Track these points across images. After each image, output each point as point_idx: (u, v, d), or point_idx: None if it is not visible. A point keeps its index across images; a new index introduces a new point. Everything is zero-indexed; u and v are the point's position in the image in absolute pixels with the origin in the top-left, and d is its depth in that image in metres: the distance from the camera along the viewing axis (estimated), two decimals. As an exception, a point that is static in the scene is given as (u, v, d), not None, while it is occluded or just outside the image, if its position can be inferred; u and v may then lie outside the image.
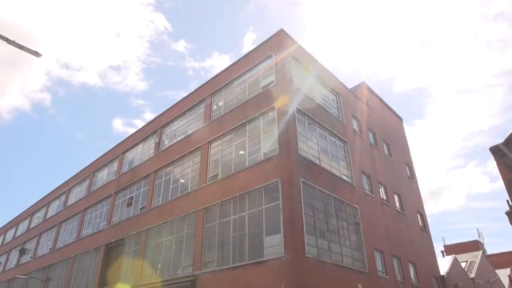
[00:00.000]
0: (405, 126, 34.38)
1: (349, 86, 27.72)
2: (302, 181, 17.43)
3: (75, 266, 31.47)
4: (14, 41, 12.64)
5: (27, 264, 40.48)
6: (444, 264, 29.66)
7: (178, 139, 26.01)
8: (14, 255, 45.70)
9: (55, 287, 32.80)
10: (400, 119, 33.97)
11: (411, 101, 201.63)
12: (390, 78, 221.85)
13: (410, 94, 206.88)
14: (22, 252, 43.14)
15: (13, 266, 44.16)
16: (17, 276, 37.65)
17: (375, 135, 27.12)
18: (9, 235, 51.76)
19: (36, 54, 13.08)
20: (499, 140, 33.40)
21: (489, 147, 33.76)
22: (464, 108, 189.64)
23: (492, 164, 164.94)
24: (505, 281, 38.51)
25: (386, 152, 27.95)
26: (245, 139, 20.44)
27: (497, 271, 38.90)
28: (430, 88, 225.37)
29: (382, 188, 24.89)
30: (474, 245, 43.61)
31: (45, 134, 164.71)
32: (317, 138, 20.46)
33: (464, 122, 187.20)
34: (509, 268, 41.31)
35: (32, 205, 47.94)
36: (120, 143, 33.77)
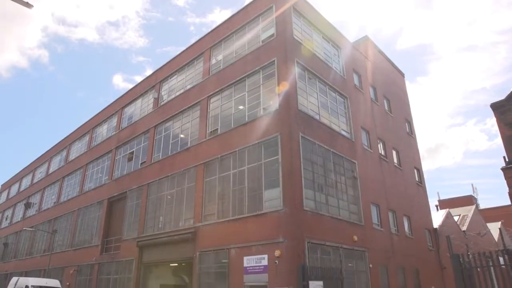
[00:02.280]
0: (407, 83, 33.98)
1: (352, 41, 27.06)
2: (302, 136, 17.51)
3: (79, 219, 32.42)
4: (3, -11, 12.12)
5: (33, 217, 41.68)
6: (437, 218, 30.56)
7: (177, 94, 25.78)
8: (20, 209, 46.93)
9: (61, 239, 33.98)
10: (402, 75, 33.50)
11: (414, 58, 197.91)
12: (394, 35, 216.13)
13: (414, 51, 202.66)
14: (27, 206, 44.28)
15: (19, 219, 45.51)
16: (24, 228, 38.93)
17: (376, 90, 26.86)
18: (14, 190, 52.83)
19: (28, 5, 12.57)
20: (500, 98, 33.18)
21: (490, 104, 33.74)
22: (467, 66, 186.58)
23: (491, 122, 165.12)
24: (495, 234, 39.90)
25: (386, 107, 27.84)
26: (245, 94, 20.26)
27: (489, 224, 40.16)
28: (433, 45, 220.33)
29: (381, 144, 25.06)
30: (468, 200, 44.64)
31: (45, 91, 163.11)
32: (317, 93, 20.28)
33: (466, 80, 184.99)
34: (500, 222, 42.63)
35: (34, 161, 48.50)
36: (118, 98, 33.54)
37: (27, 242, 40.93)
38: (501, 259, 10.25)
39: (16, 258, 41.70)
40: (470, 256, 10.57)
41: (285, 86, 17.98)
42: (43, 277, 26.94)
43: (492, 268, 10.21)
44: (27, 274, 32.06)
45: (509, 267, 9.85)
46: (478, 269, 10.34)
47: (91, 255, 28.22)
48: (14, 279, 23.85)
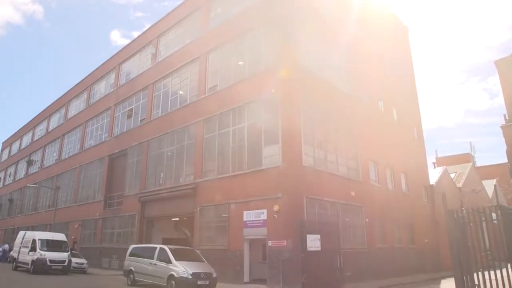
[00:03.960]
0: (410, 38, 33.10)
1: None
2: (302, 93, 17.30)
3: (82, 176, 32.89)
4: None
5: (35, 174, 42.27)
6: (434, 175, 31.02)
7: (175, 49, 25.18)
8: (22, 166, 47.48)
9: (65, 195, 34.66)
10: (406, 28, 32.59)
11: (419, 11, 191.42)
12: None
13: (418, 3, 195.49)
14: (30, 163, 44.73)
15: (23, 176, 46.18)
16: (28, 185, 39.60)
17: (378, 45, 26.15)
18: (15, 147, 53.14)
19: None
20: (506, 55, 32.49)
21: (494, 61, 33.09)
22: (472, 22, 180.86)
23: (493, 81, 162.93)
24: (490, 191, 40.72)
25: (388, 63, 27.28)
26: (245, 49, 19.79)
27: (484, 181, 40.86)
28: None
29: (382, 101, 24.86)
30: (465, 158, 45.07)
31: (41, 49, 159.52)
32: (318, 48, 19.78)
33: (471, 37, 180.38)
34: (495, 179, 43.34)
35: (33, 118, 48.39)
36: (116, 54, 32.84)
37: (31, 198, 41.81)
38: (494, 215, 10.51)
39: (22, 214, 42.79)
40: (464, 211, 10.83)
41: (286, 41, 17.54)
42: (49, 231, 27.74)
43: (484, 223, 10.49)
44: (33, 228, 32.99)
45: (501, 222, 10.12)
46: (471, 224, 10.63)
47: (95, 210, 28.93)
48: (21, 233, 24.58)
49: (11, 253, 26.35)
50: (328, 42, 20.61)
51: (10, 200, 47.66)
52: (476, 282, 10.24)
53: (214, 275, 14.40)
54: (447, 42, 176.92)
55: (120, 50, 32.31)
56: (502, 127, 29.44)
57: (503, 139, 29.70)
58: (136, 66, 29.61)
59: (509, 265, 9.79)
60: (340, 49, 21.42)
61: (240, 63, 19.92)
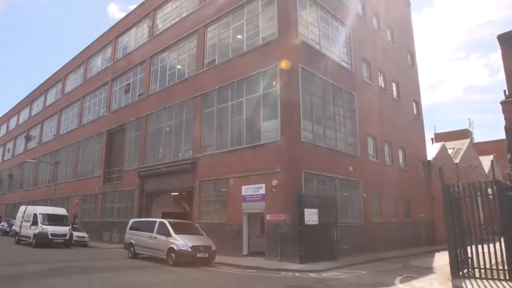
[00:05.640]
0: (412, 13, 32.45)
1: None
2: (301, 67, 17.13)
3: (80, 151, 32.95)
4: None
5: (34, 150, 42.32)
6: (432, 150, 31.14)
7: (173, 22, 24.70)
8: (21, 141, 47.47)
9: (64, 170, 34.82)
10: (408, 3, 31.92)
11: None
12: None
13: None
14: (28, 138, 44.69)
15: (21, 152, 46.25)
16: (27, 160, 39.72)
17: (380, 19, 25.72)
18: (12, 122, 52.95)
19: None
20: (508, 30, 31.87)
21: (497, 35, 32.54)
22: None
23: (494, 57, 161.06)
24: (487, 166, 41.05)
25: (389, 38, 26.89)
26: (243, 22, 19.42)
27: (482, 157, 41.11)
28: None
29: (381, 76, 24.65)
30: (463, 134, 45.16)
31: (37, 22, 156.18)
32: (318, 21, 19.45)
33: (474, 12, 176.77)
34: (492, 155, 43.60)
35: (30, 93, 47.99)
36: (112, 27, 32.23)
37: (31, 174, 42.03)
38: (489, 190, 10.62)
39: (23, 189, 43.12)
40: (460, 186, 10.95)
41: (285, 14, 17.18)
42: (50, 206, 28.06)
43: (480, 198, 10.63)
44: (34, 203, 33.30)
45: (496, 197, 10.25)
46: (466, 199, 10.77)
47: (95, 185, 29.15)
48: (22, 207, 24.87)
49: (12, 227, 26.75)
50: (328, 14, 20.22)
51: (10, 176, 47.91)
52: (470, 255, 10.50)
53: (213, 248, 14.68)
54: (449, 17, 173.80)
55: (117, 23, 31.69)
56: (501, 103, 29.22)
57: (502, 116, 29.61)
58: (133, 40, 29.12)
59: (502, 239, 10.00)
60: (340, 22, 21.08)
61: (239, 36, 19.59)
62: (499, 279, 9.68)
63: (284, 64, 16.58)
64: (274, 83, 17.01)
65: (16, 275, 10.80)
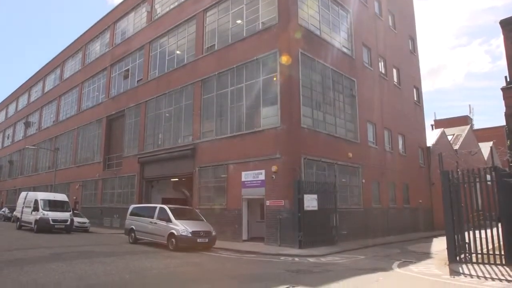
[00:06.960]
0: (414, -4, 31.96)
1: None
2: (301, 52, 16.99)
3: (80, 137, 32.92)
4: None
5: (34, 136, 42.27)
6: (432, 137, 31.14)
7: (171, 7, 24.37)
8: (20, 128, 47.37)
9: (64, 156, 34.86)
10: (410, -13, 31.45)
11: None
12: None
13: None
14: (27, 124, 44.58)
15: (21, 138, 46.19)
16: (27, 146, 39.71)
17: (381, 4, 25.40)
18: (11, 109, 52.77)
19: None
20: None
21: (499, 20, 32.19)
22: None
23: (496, 43, 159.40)
24: (486, 153, 41.10)
25: (390, 23, 26.60)
26: (243, 7, 19.17)
27: (481, 144, 41.09)
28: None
29: (382, 62, 24.47)
30: (463, 120, 45.11)
31: (34, 5, 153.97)
32: (318, 6, 19.20)
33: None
34: (492, 142, 43.60)
35: (28, 80, 47.68)
36: (110, 12, 31.83)
37: (31, 160, 42.08)
38: (488, 176, 10.66)
39: (23, 175, 43.22)
40: (459, 173, 10.98)
41: (285, -2, 16.92)
42: (50, 192, 28.17)
43: (478, 184, 10.67)
44: (34, 189, 33.45)
45: (495, 183, 10.30)
46: (465, 185, 10.82)
47: (95, 171, 29.22)
48: (23, 193, 24.96)
49: (14, 212, 26.90)
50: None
51: (10, 162, 47.97)
52: (467, 241, 10.61)
53: (213, 233, 14.81)
54: (450, 2, 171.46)
55: (115, 8, 31.29)
56: (502, 89, 29.10)
57: (502, 102, 29.49)
58: (131, 25, 28.78)
59: (499, 224, 10.09)
60: (341, 7, 20.81)
61: (238, 21, 19.37)
62: (495, 264, 9.81)
63: (284, 59, 16.40)
64: (274, 68, 16.90)
65: (18, 259, 10.92)
